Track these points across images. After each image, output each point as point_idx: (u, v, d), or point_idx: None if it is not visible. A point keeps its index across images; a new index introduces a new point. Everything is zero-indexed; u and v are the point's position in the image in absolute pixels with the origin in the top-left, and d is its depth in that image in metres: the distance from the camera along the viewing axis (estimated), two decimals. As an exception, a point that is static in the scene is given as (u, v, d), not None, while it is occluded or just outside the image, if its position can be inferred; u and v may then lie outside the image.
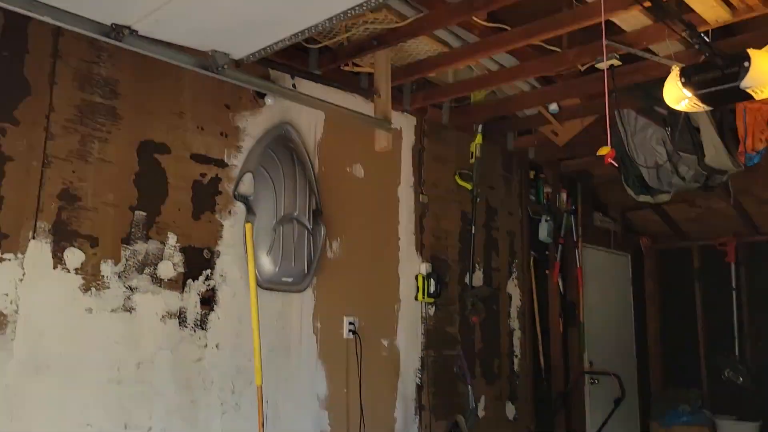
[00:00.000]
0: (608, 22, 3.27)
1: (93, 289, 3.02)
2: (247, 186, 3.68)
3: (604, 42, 2.74)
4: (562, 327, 6.00)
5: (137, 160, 3.23)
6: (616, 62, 3.62)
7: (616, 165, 2.43)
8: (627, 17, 3.27)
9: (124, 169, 3.18)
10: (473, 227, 5.05)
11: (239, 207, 3.63)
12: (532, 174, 6.02)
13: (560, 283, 6.09)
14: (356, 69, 4.21)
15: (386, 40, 3.61)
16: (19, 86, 2.84)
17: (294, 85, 3.98)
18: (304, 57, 4.00)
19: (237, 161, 3.66)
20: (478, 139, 4.99)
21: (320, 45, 3.86)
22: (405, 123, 4.76)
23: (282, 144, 3.83)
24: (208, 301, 3.44)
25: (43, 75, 2.92)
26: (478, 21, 3.49)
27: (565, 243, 6.15)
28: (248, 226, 3.36)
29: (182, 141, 3.41)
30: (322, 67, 4.00)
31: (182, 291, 3.34)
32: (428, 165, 4.91)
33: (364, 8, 2.42)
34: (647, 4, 2.91)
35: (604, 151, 2.34)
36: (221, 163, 3.58)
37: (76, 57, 3.03)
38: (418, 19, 3.46)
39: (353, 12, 2.46)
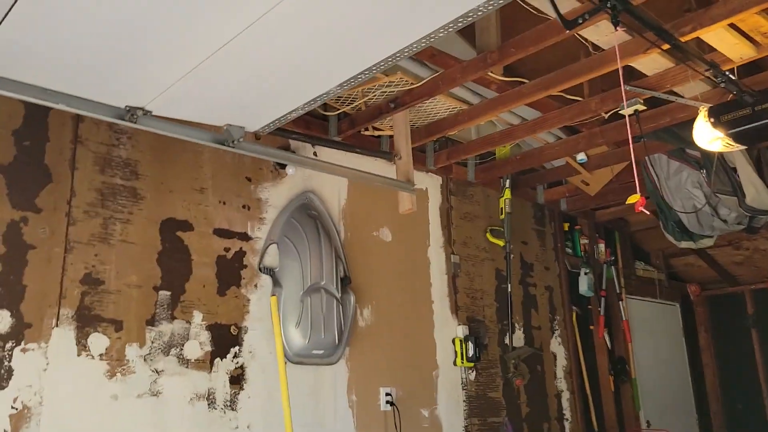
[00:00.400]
0: (628, 67, 3.19)
1: (118, 374, 2.94)
2: (272, 258, 3.62)
3: (623, 89, 2.66)
4: (613, 385, 5.69)
5: (160, 238, 3.21)
6: (640, 107, 3.52)
7: (648, 213, 2.29)
8: (646, 61, 3.18)
9: (147, 248, 3.15)
10: (509, 285, 4.89)
11: (265, 280, 3.57)
12: (566, 226, 5.86)
13: (607, 338, 5.81)
14: (377, 132, 4.20)
15: (403, 102, 3.59)
16: (40, 174, 2.87)
17: (315, 153, 3.98)
18: (324, 125, 4.01)
19: (261, 233, 3.62)
20: (507, 193, 4.88)
21: (338, 111, 3.87)
22: (430, 183, 4.70)
23: (305, 213, 3.79)
24: (237, 379, 3.34)
25: (64, 161, 2.95)
26: (494, 76, 3.45)
27: (607, 296, 5.91)
28: (273, 299, 3.28)
29: (204, 216, 3.39)
30: (342, 133, 4.00)
31: (210, 371, 3.25)
32: (457, 224, 4.81)
33: (374, 71, 2.39)
34: (665, 47, 2.83)
35: (633, 199, 2.22)
36: (245, 236, 3.54)
37: (95, 141, 3.07)
38: (433, 78, 3.44)
39: (363, 77, 2.43)
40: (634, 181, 2.48)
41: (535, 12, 2.75)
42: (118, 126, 3.08)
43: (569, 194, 5.49)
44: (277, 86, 2.52)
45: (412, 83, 3.52)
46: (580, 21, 2.23)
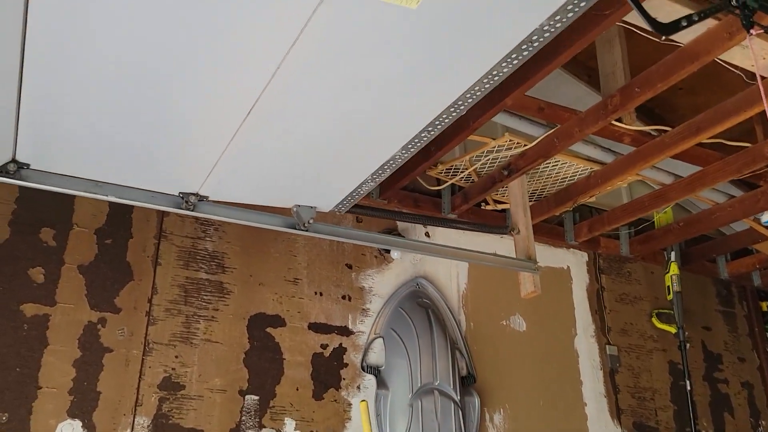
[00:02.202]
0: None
1: (197, 491, 2.64)
2: (377, 354, 3.19)
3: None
4: None
5: (247, 336, 2.94)
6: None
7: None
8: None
9: (233, 348, 2.89)
10: (688, 381, 3.93)
11: (369, 380, 3.13)
12: (764, 305, 4.74)
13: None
14: (501, 206, 3.69)
15: (517, 167, 3.08)
16: (121, 273, 2.77)
17: (427, 234, 3.56)
18: (437, 201, 3.60)
19: (363, 326, 3.22)
20: (674, 268, 4.02)
21: (442, 186, 3.45)
22: (573, 260, 4.02)
23: (415, 301, 3.33)
24: (337, 498, 2.88)
25: (146, 257, 2.83)
26: (623, 126, 2.83)
27: (832, 393, 4.59)
28: (363, 405, 2.83)
29: (298, 310, 3.08)
30: (455, 210, 3.55)
31: (304, 488, 2.84)
32: (612, 307, 4.04)
33: (438, 127, 1.96)
34: None
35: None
36: (345, 331, 3.17)
37: (180, 235, 2.93)
38: (547, 136, 2.91)
39: (428, 134, 2.01)
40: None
41: (637, 30, 2.19)
42: (204, 218, 2.93)
43: (762, 266, 4.43)
44: (335, 158, 2.18)
45: (524, 144, 3.02)
46: (684, 24, 1.62)
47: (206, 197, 2.33)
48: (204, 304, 2.89)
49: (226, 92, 1.77)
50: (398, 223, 3.47)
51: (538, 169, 3.33)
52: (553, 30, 1.58)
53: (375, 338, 3.21)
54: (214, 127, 1.95)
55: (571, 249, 4.03)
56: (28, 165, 2.07)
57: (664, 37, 1.43)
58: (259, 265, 3.07)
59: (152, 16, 1.46)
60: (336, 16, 1.47)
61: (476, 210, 3.64)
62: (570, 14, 1.54)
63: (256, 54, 1.60)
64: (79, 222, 2.74)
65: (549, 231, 3.92)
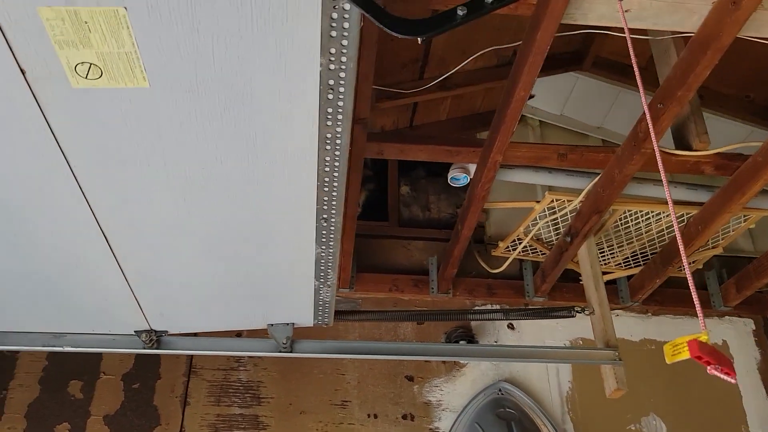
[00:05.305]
0: None
1: None
2: (451, 485, 2.60)
3: None
4: None
5: (289, 476, 2.58)
6: None
7: None
8: None
9: (272, 491, 2.55)
10: None
11: None
12: None
13: None
14: (608, 276, 2.95)
15: (577, 230, 2.42)
16: (147, 418, 2.63)
17: (511, 326, 2.95)
18: (514, 285, 2.99)
19: (432, 452, 2.67)
20: None
21: (503, 267, 2.84)
22: (731, 331, 3.06)
23: (496, 412, 2.71)
24: None
25: (175, 398, 2.67)
26: (689, 154, 2.07)
27: None
28: None
29: (349, 439, 2.66)
30: (539, 292, 2.91)
31: None
32: (803, 389, 2.93)
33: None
34: None
35: None
36: (408, 459, 2.65)
37: (211, 368, 2.75)
38: (593, 185, 2.25)
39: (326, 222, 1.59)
40: None
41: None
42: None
43: None
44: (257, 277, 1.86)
45: (569, 200, 2.38)
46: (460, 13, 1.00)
47: (164, 332, 2.12)
48: (237, 443, 2.62)
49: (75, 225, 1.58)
50: (471, 323, 2.93)
51: (620, 226, 2.61)
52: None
53: (447, 465, 2.64)
54: (99, 262, 1.75)
55: (726, 317, 3.06)
56: (-20, 328, 2.06)
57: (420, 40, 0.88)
58: (300, 390, 2.74)
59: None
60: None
61: (563, 287, 2.95)
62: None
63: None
64: (106, 369, 2.70)
65: (684, 298, 3.03)
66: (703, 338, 1.04)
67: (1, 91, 1.13)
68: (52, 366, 2.69)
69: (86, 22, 0.99)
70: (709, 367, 1.03)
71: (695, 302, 1.10)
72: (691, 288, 1.12)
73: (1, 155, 1.29)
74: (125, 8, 0.98)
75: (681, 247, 1.17)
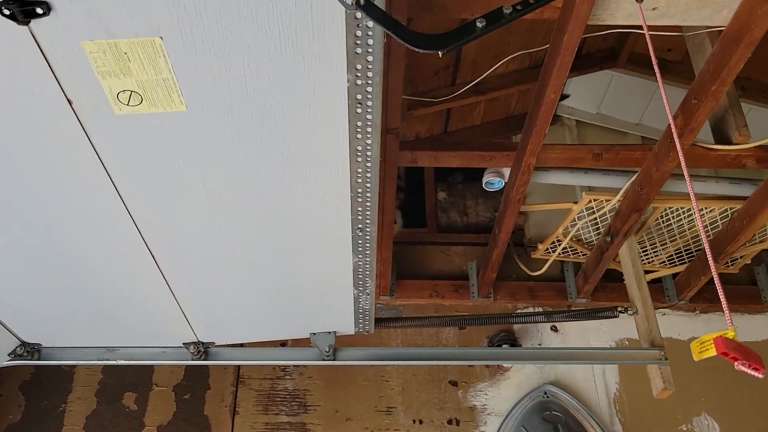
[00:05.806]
0: None
1: None
2: (499, 490, 2.60)
3: None
4: None
5: (337, 483, 2.62)
6: None
7: None
8: None
9: (322, 498, 2.59)
10: None
11: None
12: None
13: None
14: (652, 275, 2.91)
15: (617, 230, 2.40)
16: (198, 428, 2.70)
17: (555, 328, 2.94)
18: (557, 287, 2.97)
19: (478, 456, 2.68)
20: None
21: (542, 269, 2.82)
22: (783, 329, 2.96)
23: (542, 415, 2.69)
24: None
25: (224, 408, 2.74)
26: (726, 148, 2.03)
27: None
28: None
29: (395, 445, 2.69)
30: (581, 293, 2.89)
31: None
32: None
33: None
34: None
35: None
36: (455, 464, 2.66)
37: (258, 378, 2.81)
38: (631, 184, 2.23)
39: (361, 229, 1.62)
40: None
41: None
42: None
43: None
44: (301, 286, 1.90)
45: (607, 200, 2.36)
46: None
47: (211, 343, 2.19)
48: (286, 450, 2.67)
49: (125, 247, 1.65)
50: (513, 326, 2.93)
51: (662, 224, 2.57)
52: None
53: (494, 469, 2.64)
54: (147, 278, 1.82)
55: (779, 314, 2.98)
56: (39, 345, 2.16)
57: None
58: (346, 397, 2.78)
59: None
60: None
61: (605, 287, 2.92)
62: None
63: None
64: (158, 381, 2.79)
65: (733, 295, 2.96)
66: (730, 335, 1.04)
67: (51, 120, 1.20)
68: (108, 379, 2.79)
69: (126, 53, 1.05)
70: (736, 363, 1.03)
71: (721, 298, 1.11)
72: (716, 283, 1.12)
73: (52, 181, 1.36)
74: (161, 38, 1.04)
75: (705, 244, 1.16)
